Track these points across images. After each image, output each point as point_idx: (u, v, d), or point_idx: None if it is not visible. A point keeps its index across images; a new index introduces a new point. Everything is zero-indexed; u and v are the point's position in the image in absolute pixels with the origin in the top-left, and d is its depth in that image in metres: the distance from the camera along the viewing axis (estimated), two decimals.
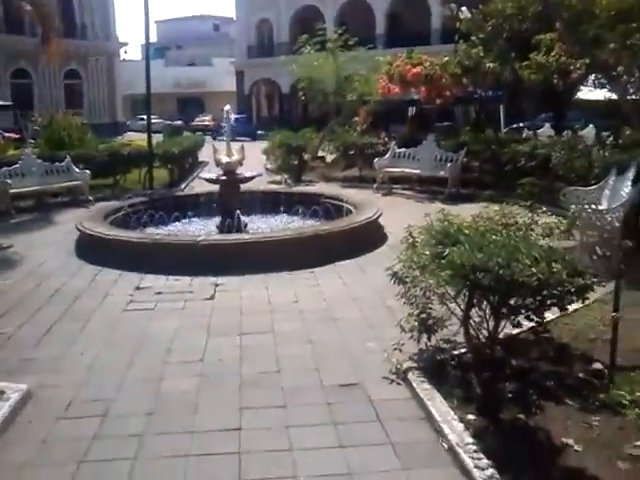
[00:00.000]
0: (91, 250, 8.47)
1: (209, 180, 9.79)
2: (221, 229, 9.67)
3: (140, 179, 15.55)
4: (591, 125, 18.40)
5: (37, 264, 8.33)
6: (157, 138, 21.97)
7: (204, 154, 24.03)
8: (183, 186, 16.08)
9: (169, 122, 31.14)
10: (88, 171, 13.64)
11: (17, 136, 25.11)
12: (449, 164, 13.32)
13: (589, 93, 17.46)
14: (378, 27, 42.26)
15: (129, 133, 44.15)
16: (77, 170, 13.67)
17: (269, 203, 11.18)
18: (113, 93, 50.02)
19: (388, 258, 8.10)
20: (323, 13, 44.54)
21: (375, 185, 14.51)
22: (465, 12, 18.21)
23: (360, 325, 5.91)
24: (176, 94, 57.00)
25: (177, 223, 10.59)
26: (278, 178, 16.96)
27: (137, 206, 10.57)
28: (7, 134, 27.02)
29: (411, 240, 5.08)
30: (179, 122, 32.30)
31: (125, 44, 52.61)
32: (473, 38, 16.40)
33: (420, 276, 4.74)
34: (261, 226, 10.13)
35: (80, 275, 7.74)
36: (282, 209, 11.18)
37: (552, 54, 12.54)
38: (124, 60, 54.45)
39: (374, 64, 18.85)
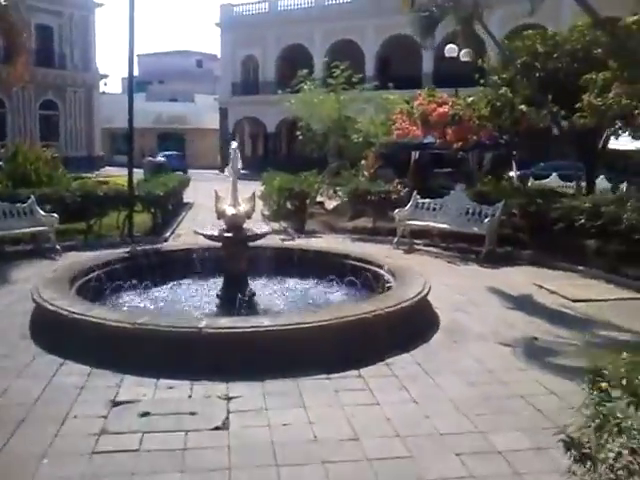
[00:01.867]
0: (51, 331, 6.22)
1: (210, 237, 7.62)
2: (224, 299, 7.50)
3: (118, 224, 13.32)
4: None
5: None
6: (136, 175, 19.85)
7: (188, 194, 21.97)
8: (168, 234, 13.90)
9: (150, 158, 28.93)
10: (55, 215, 11.40)
11: None
12: (487, 219, 11.34)
13: (619, 143, 15.88)
14: (368, 69, 40.93)
15: (107, 168, 41.95)
16: (42, 213, 11.43)
17: (277, 262, 9.00)
18: (91, 126, 47.90)
19: (452, 352, 6.20)
20: (311, 53, 43.25)
21: (395, 240, 12.46)
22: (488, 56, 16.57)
23: None
24: (157, 129, 54.96)
25: (165, 287, 8.39)
26: (277, 226, 14.85)
27: (114, 264, 8.33)
28: None
29: (602, 384, 2.94)
30: (162, 159, 30.10)
31: (105, 76, 50.76)
32: (494, 78, 14.72)
33: None
34: (272, 297, 7.97)
35: (31, 373, 5.45)
36: (294, 271, 9.03)
37: (609, 95, 10.80)
38: (104, 93, 52.45)
39: (382, 103, 17.10)
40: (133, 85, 13.89)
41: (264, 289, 8.22)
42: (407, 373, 5.60)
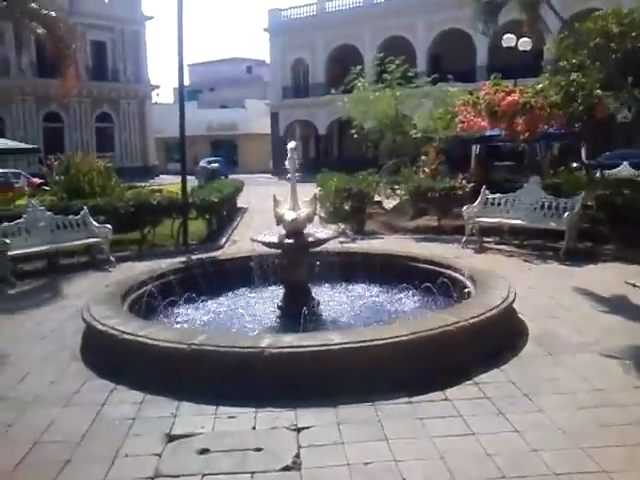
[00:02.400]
0: (102, 352, 5.72)
1: (269, 244, 7.01)
2: (285, 310, 6.89)
3: (172, 233, 12.93)
4: None
5: (17, 376, 5.56)
6: (190, 183, 19.57)
7: (242, 199, 21.57)
8: (223, 241, 13.43)
9: (203, 165, 28.73)
10: (109, 225, 11.05)
11: (41, 181, 23.16)
12: (566, 213, 10.37)
13: None
14: (420, 65, 39.84)
15: (162, 176, 42.31)
16: (96, 224, 11.10)
17: (340, 267, 8.29)
18: (144, 136, 48.59)
19: (549, 367, 5.39)
20: (361, 52, 42.48)
21: (463, 239, 11.62)
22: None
23: None
24: (209, 136, 55.22)
25: (223, 299, 7.84)
26: (334, 228, 14.21)
27: (168, 276, 7.82)
28: (33, 179, 25.14)
29: None
30: (216, 165, 29.79)
31: (157, 87, 51.55)
32: (562, 63, 13.66)
33: None
34: (338, 307, 7.30)
35: (79, 402, 4.93)
36: (359, 276, 8.34)
37: None
38: (156, 103, 53.05)
39: (440, 96, 16.22)
40: (184, 90, 13.52)
41: (328, 298, 7.56)
42: (501, 394, 4.82)
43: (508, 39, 25.90)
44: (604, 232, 11.15)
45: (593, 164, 20.05)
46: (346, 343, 4.95)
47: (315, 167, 45.08)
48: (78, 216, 11.08)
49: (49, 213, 10.83)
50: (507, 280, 6.89)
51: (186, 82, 70.02)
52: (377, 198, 17.22)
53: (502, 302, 6.03)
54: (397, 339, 5.03)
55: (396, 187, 16.65)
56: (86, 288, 8.90)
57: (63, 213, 11.18)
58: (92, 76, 44.24)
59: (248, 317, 6.97)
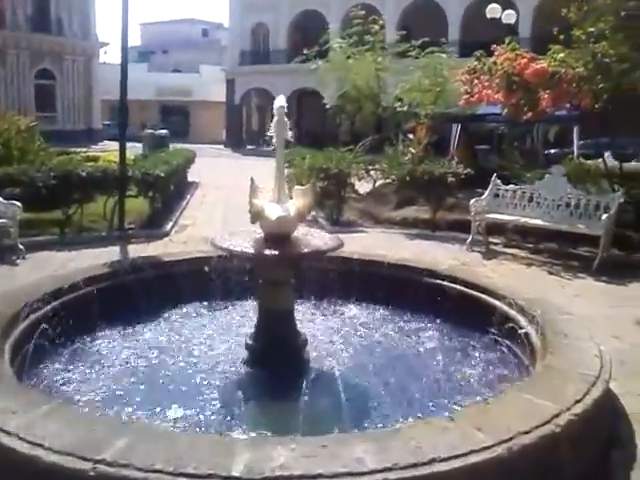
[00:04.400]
0: None
1: (240, 255, 4.60)
2: (258, 355, 4.58)
3: (105, 213, 10.39)
4: None
5: None
6: (134, 150, 16.85)
7: (192, 172, 18.96)
8: (170, 226, 10.95)
9: (150, 131, 25.77)
10: (18, 202, 8.45)
11: None
12: (604, 216, 8.32)
13: None
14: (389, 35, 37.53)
15: (106, 142, 38.84)
16: (1, 200, 8.50)
17: (330, 280, 5.98)
18: (90, 97, 44.69)
19: None
20: (327, 19, 39.78)
21: (468, 239, 9.47)
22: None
23: None
24: (158, 102, 51.63)
25: (163, 325, 5.47)
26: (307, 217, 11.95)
27: (84, 288, 5.36)
28: None
29: None
30: (164, 131, 26.80)
31: (106, 44, 47.37)
32: (577, 33, 11.56)
33: None
34: (335, 349, 5.00)
35: None
36: (353, 293, 6.08)
37: None
38: (104, 63, 49.05)
39: (431, 65, 13.97)
40: (127, 45, 10.96)
41: (319, 332, 5.27)
42: None
43: (493, 10, 23.90)
44: (635, 238, 9.24)
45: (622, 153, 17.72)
46: (389, 470, 2.69)
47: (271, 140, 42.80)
48: None
49: None
50: (575, 315, 4.77)
51: (136, 42, 65.64)
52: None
53: (601, 368, 3.88)
54: (479, 457, 2.80)
55: (371, 168, 14.33)
56: None
57: None
58: (32, 27, 40.19)
59: (201, 365, 4.62)
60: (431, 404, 4.05)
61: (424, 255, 8.44)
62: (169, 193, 12.46)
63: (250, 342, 4.73)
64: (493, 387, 4.27)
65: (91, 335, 5.03)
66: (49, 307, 4.91)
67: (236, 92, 45.07)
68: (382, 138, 15.57)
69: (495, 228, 9.98)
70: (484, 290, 5.50)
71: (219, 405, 3.95)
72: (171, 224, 10.99)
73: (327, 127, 40.15)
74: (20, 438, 2.85)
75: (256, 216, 4.52)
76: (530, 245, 9.59)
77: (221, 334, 5.23)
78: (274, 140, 4.67)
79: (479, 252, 9.24)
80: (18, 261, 8.19)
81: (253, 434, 3.45)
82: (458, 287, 5.65)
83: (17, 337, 4.39)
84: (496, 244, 9.70)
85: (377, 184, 13.91)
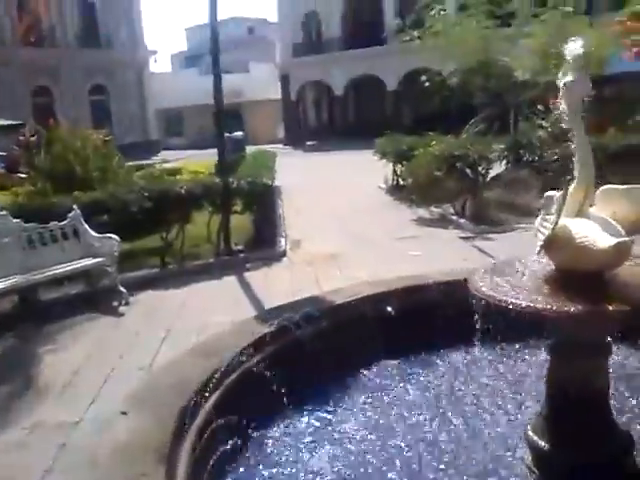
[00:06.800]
0: None
1: (545, 313, 2.69)
2: (544, 459, 2.72)
3: (209, 235, 8.73)
4: None
5: None
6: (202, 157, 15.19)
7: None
8: (282, 242, 9.22)
9: (227, 134, 23.85)
10: (115, 236, 6.82)
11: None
12: None
13: None
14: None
15: (163, 152, 37.86)
16: (94, 234, 6.89)
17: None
18: (144, 108, 43.75)
19: None
20: (383, 2, 37.68)
21: None
22: None
23: None
24: (212, 106, 50.24)
25: (361, 419, 3.67)
26: (426, 215, 10.04)
27: (256, 355, 3.61)
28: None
29: None
30: (240, 133, 24.46)
31: (154, 52, 46.34)
32: None
33: None
34: None
35: None
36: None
37: None
38: (153, 73, 48.10)
39: (556, 25, 11.78)
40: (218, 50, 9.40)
41: None
42: None
43: None
44: None
45: None
46: None
47: (330, 133, 40.62)
48: (65, 222, 6.88)
49: (16, 221, 6.55)
50: None
51: (184, 47, 64.59)
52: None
53: None
54: None
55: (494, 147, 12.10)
56: (78, 363, 4.73)
57: (42, 217, 6.96)
58: (82, 43, 39.46)
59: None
60: None
61: None
62: (269, 204, 10.73)
63: (533, 436, 2.88)
64: None
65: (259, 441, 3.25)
66: (214, 395, 3.18)
67: (291, 87, 43.37)
68: (491, 116, 13.44)
69: None
70: None
71: None
72: (282, 240, 9.25)
73: (386, 114, 38.05)
74: None
75: (550, 243, 2.64)
76: None
77: (472, 435, 3.36)
78: (570, 125, 2.81)
79: None
80: (121, 308, 6.59)
81: None
82: None
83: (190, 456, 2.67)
84: None
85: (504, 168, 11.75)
